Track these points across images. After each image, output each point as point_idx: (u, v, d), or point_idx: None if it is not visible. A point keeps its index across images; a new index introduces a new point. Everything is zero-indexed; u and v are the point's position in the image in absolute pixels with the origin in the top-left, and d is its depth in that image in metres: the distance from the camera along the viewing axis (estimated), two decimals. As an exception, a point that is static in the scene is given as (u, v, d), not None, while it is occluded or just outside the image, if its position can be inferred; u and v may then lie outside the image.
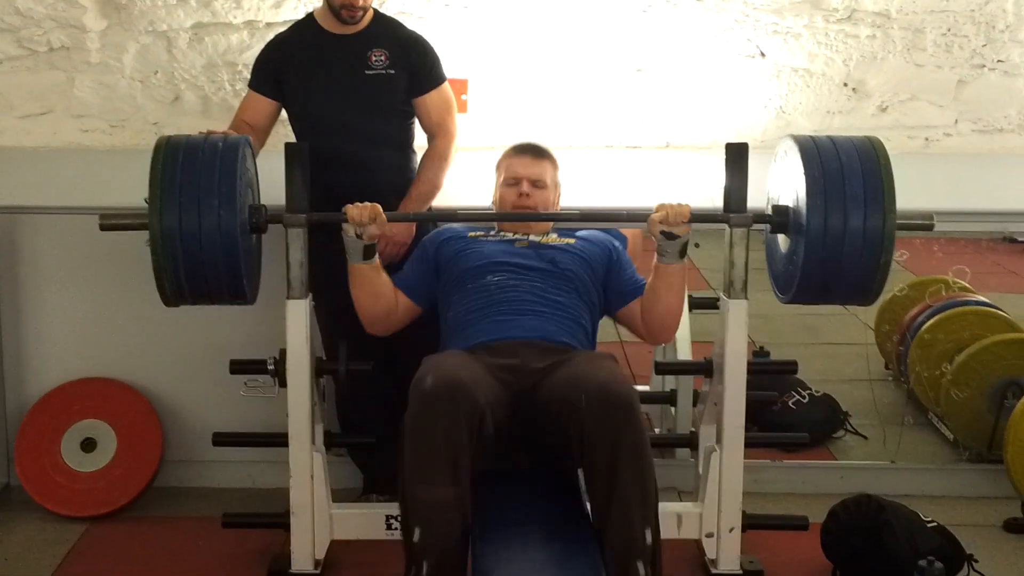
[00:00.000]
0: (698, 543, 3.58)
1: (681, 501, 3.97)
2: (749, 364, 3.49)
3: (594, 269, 3.53)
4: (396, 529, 3.46)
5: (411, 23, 4.34)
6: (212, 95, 4.50)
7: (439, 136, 3.86)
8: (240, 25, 4.43)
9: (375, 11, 3.84)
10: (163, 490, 4.23)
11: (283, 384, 3.47)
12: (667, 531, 3.51)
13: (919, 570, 3.27)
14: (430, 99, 3.84)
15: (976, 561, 3.58)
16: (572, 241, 3.59)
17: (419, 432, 2.91)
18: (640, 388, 4.55)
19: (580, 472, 3.13)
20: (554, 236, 3.66)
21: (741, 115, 4.56)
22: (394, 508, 3.51)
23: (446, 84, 3.88)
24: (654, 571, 2.96)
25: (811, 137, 3.37)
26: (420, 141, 3.97)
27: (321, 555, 3.51)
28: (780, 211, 3.41)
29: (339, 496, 3.64)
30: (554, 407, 3.06)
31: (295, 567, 3.49)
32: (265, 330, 3.81)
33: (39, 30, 4.39)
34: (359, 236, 3.28)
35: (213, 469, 4.28)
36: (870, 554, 3.53)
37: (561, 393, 3.06)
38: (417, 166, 3.89)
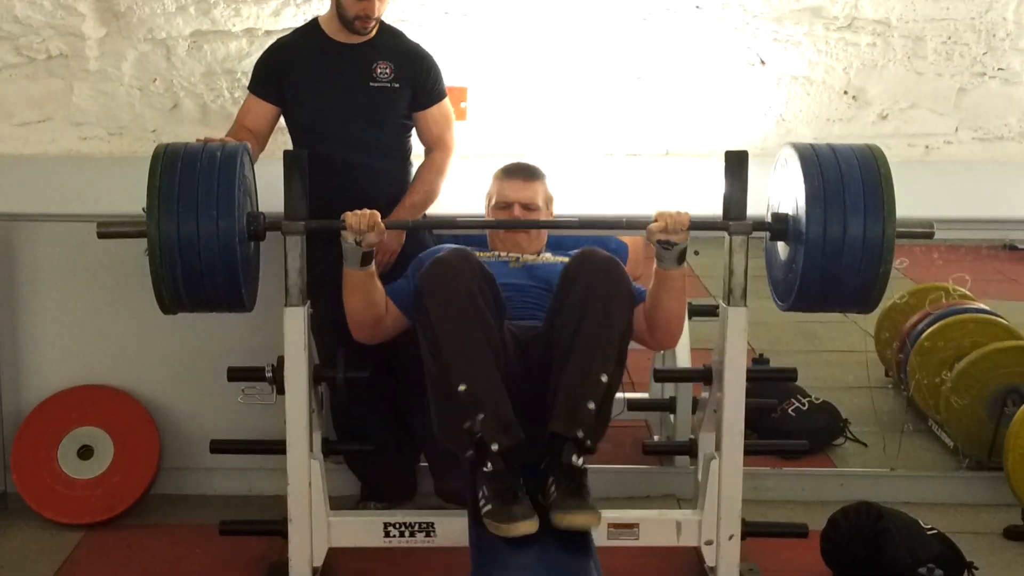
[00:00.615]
0: (697, 551, 3.56)
1: (680, 508, 3.96)
2: (748, 371, 3.47)
3: None
4: (394, 536, 3.45)
5: (410, 31, 4.33)
6: (211, 103, 4.50)
7: (437, 149, 3.86)
8: (239, 33, 4.42)
9: (380, 22, 3.82)
10: (160, 497, 4.22)
11: (281, 391, 3.46)
12: (666, 539, 3.51)
13: (919, 577, 3.28)
14: (431, 114, 3.84)
15: (976, 569, 3.58)
16: (566, 260, 3.57)
17: (440, 289, 3.06)
18: (639, 395, 4.56)
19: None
20: (547, 255, 3.67)
21: (741, 123, 4.55)
22: (392, 515, 3.51)
23: (447, 99, 3.88)
24: (598, 420, 3.02)
25: (811, 145, 3.36)
26: (418, 149, 3.96)
27: (319, 563, 3.50)
28: (780, 219, 3.40)
29: (337, 504, 3.63)
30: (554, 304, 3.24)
31: (293, 574, 3.47)
32: (263, 337, 3.80)
33: (38, 38, 4.39)
34: (358, 243, 3.27)
35: (211, 476, 4.27)
36: (870, 562, 3.52)
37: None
38: (408, 165, 3.90)
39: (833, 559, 3.64)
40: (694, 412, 4.01)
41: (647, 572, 3.73)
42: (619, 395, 3.23)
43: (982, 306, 4.89)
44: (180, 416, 4.28)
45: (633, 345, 3.52)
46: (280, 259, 3.37)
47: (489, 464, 2.93)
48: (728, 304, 3.42)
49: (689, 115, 4.53)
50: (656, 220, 3.29)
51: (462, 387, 2.93)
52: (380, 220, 3.28)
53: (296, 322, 3.36)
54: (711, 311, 3.73)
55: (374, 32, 3.77)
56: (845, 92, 4.58)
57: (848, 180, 3.23)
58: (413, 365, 3.24)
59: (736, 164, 3.40)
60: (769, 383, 4.44)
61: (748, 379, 3.45)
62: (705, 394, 3.65)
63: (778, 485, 4.28)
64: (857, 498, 3.78)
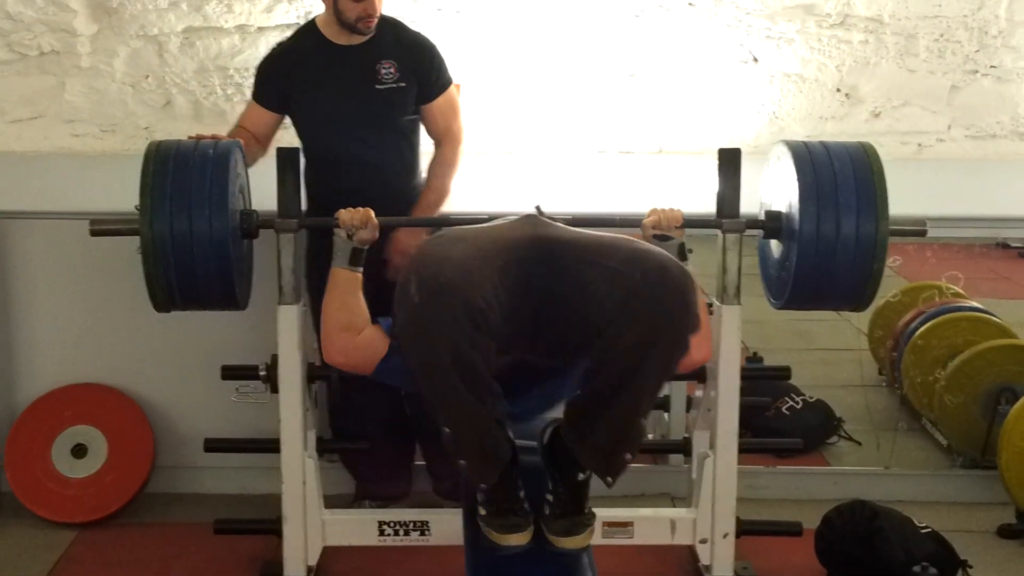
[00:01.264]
0: (692, 549, 3.57)
1: (675, 507, 3.95)
2: (742, 370, 3.48)
3: None
4: (388, 535, 3.45)
5: (403, 28, 4.35)
6: (203, 99, 4.49)
7: (446, 142, 3.81)
8: (231, 29, 4.42)
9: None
10: (154, 496, 4.21)
11: (275, 390, 3.45)
12: (661, 537, 3.52)
13: (913, 576, 3.28)
14: (437, 105, 3.78)
15: (970, 567, 3.58)
16: None
17: (417, 351, 2.73)
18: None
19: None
20: None
21: (734, 120, 4.56)
22: (386, 514, 3.51)
23: (452, 87, 3.81)
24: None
25: (804, 143, 3.36)
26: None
27: (313, 561, 3.50)
28: (773, 217, 3.40)
29: (331, 502, 3.62)
30: (590, 277, 2.83)
31: (287, 573, 3.47)
32: (257, 336, 3.80)
33: (29, 34, 4.38)
34: (349, 236, 3.22)
35: (205, 475, 4.26)
36: (864, 560, 3.53)
37: (603, 264, 2.83)
38: (424, 170, 3.84)
39: (827, 557, 3.64)
40: (688, 410, 4.01)
41: (641, 571, 3.73)
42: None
43: (975, 304, 4.88)
44: (174, 415, 4.26)
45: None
46: (273, 257, 3.36)
47: (481, 491, 2.88)
48: (722, 302, 3.42)
49: (682, 113, 4.54)
50: (649, 216, 3.28)
51: (445, 430, 2.77)
52: (374, 217, 3.27)
53: (290, 320, 3.36)
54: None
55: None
56: (838, 90, 4.59)
57: (841, 178, 3.23)
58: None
59: (729, 162, 3.41)
60: (763, 381, 4.43)
61: (742, 377, 3.46)
62: (699, 392, 3.65)
63: (772, 484, 4.28)
64: (851, 496, 3.78)
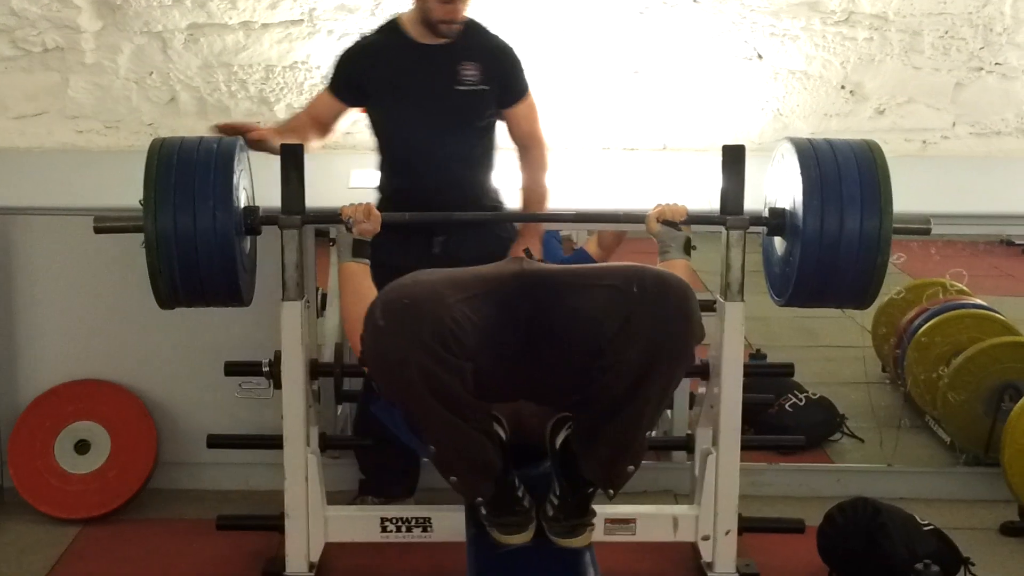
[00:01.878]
0: (694, 546, 3.56)
1: (677, 504, 3.96)
2: (746, 366, 3.48)
3: None
4: (391, 531, 3.45)
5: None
6: (207, 96, 4.49)
7: (533, 147, 3.76)
8: (236, 26, 4.42)
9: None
10: (157, 492, 4.21)
11: (278, 386, 3.45)
12: (663, 534, 3.51)
13: (915, 573, 3.28)
14: (519, 110, 3.73)
15: (973, 564, 3.58)
16: None
17: (382, 371, 2.69)
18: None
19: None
20: None
21: (738, 117, 4.56)
22: (389, 510, 3.51)
23: (531, 92, 3.77)
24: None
25: (808, 140, 3.36)
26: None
27: (315, 558, 3.50)
28: (777, 214, 3.40)
29: (334, 498, 3.63)
30: (584, 302, 2.80)
31: (289, 570, 3.47)
32: (260, 332, 3.80)
33: (34, 30, 4.38)
34: (349, 229, 3.23)
35: (207, 471, 4.26)
36: (866, 557, 3.52)
37: (598, 285, 2.82)
38: (493, 168, 3.79)
39: (829, 555, 3.64)
40: (691, 407, 4.01)
41: (644, 567, 3.73)
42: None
43: (979, 302, 4.88)
44: (177, 411, 4.26)
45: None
46: (277, 253, 3.36)
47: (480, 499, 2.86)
48: (725, 299, 3.42)
49: (686, 109, 4.54)
50: (654, 210, 3.29)
51: (431, 448, 2.77)
52: (376, 210, 3.27)
53: (293, 316, 3.35)
54: (708, 306, 3.73)
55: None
56: (842, 87, 4.58)
57: (845, 175, 3.23)
58: None
59: (733, 159, 3.40)
60: (766, 378, 4.43)
61: (745, 374, 3.45)
62: (702, 389, 3.65)
63: (775, 480, 4.27)
64: (854, 494, 3.78)
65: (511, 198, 3.82)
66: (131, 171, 3.25)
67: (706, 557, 3.53)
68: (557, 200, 3.79)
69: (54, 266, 4.18)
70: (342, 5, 4.41)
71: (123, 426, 4.16)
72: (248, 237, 3.39)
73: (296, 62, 4.48)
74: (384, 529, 3.47)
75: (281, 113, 4.52)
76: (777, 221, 3.39)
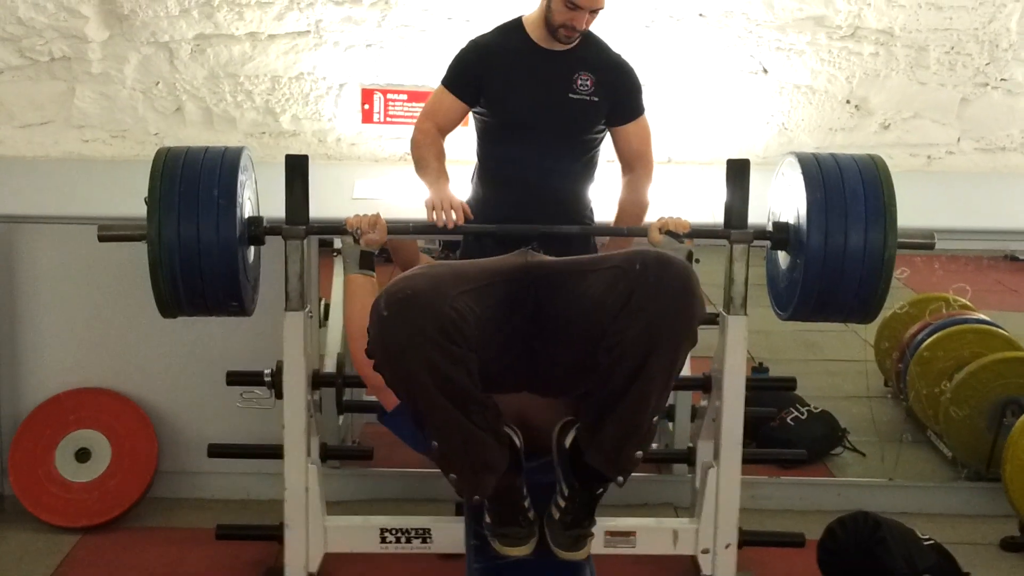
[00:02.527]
0: (694, 559, 3.55)
1: (678, 517, 3.95)
2: (748, 380, 3.47)
3: None
4: (390, 542, 3.45)
5: (413, 36, 4.36)
6: (214, 106, 4.50)
7: (639, 167, 3.75)
8: (242, 37, 4.43)
9: (588, 32, 3.65)
10: (157, 501, 4.21)
11: (279, 396, 3.45)
12: (663, 547, 3.51)
13: (916, 588, 3.27)
14: (631, 129, 3.72)
15: (974, 580, 3.58)
16: None
17: (395, 372, 2.66)
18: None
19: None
20: None
21: (743, 131, 4.56)
22: (388, 521, 3.50)
23: (645, 115, 3.76)
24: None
25: (813, 154, 3.36)
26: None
27: (315, 568, 3.49)
28: (781, 228, 3.40)
29: (333, 509, 3.62)
30: (587, 286, 2.77)
31: (289, 580, 3.48)
32: (262, 342, 3.81)
33: (40, 40, 4.39)
34: (356, 240, 3.23)
35: (208, 480, 4.26)
36: (866, 571, 3.52)
37: (600, 268, 2.79)
38: (590, 186, 3.78)
39: (830, 569, 3.63)
40: (693, 420, 4.01)
41: (644, 580, 3.73)
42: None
43: (982, 316, 4.89)
44: (178, 420, 4.27)
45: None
46: (280, 263, 3.36)
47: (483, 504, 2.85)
48: (728, 312, 3.42)
49: (691, 123, 4.54)
50: (657, 223, 3.29)
51: (433, 444, 2.71)
52: (383, 221, 3.27)
53: (295, 327, 3.35)
54: (711, 319, 3.73)
55: (577, 42, 3.63)
56: (847, 101, 4.58)
57: (850, 190, 3.22)
58: None
59: (738, 172, 3.40)
60: (768, 392, 4.43)
61: (747, 388, 3.45)
62: (704, 402, 3.65)
63: (776, 494, 4.27)
64: (854, 508, 3.77)
65: (604, 213, 3.82)
66: (136, 180, 3.26)
67: (706, 570, 3.52)
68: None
69: (58, 274, 4.20)
70: (348, 17, 4.42)
71: (124, 435, 4.17)
72: (251, 247, 3.39)
73: (302, 73, 4.49)
74: (383, 540, 3.46)
75: (287, 124, 4.52)
76: (781, 235, 3.39)
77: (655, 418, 2.79)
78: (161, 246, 3.13)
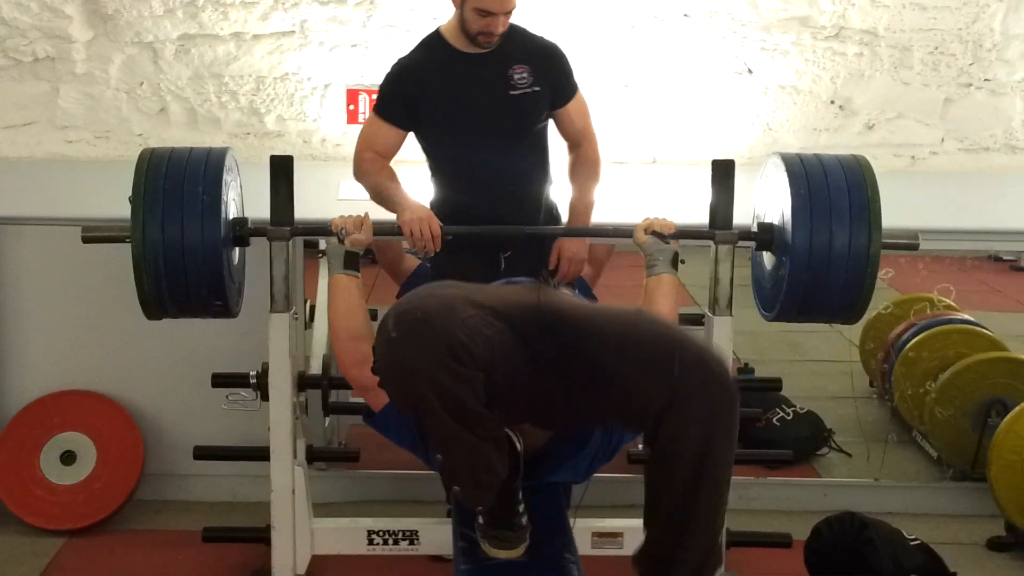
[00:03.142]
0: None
1: (665, 518, 3.94)
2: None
3: None
4: (377, 544, 3.44)
5: (398, 36, 4.35)
6: (198, 107, 4.49)
7: (584, 142, 3.71)
8: (227, 37, 4.42)
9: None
10: (143, 503, 4.20)
11: (265, 398, 3.45)
12: (650, 548, 3.50)
13: (902, 588, 3.27)
14: (571, 108, 3.67)
15: (960, 580, 3.58)
16: None
17: (401, 391, 2.60)
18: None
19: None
20: None
21: (728, 132, 4.56)
22: (375, 523, 3.50)
23: (579, 91, 3.72)
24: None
25: (798, 155, 3.36)
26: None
27: (302, 570, 3.49)
28: (766, 228, 3.40)
29: (320, 511, 3.62)
30: (616, 352, 2.63)
31: (275, 582, 3.47)
32: (248, 344, 3.79)
33: (24, 40, 4.38)
34: (340, 240, 3.22)
35: (194, 483, 4.25)
36: (853, 572, 3.52)
37: (631, 339, 2.65)
38: (550, 175, 3.73)
39: (816, 569, 3.63)
40: (679, 421, 3.99)
41: (631, 581, 3.72)
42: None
43: (966, 317, 4.89)
44: (164, 422, 4.26)
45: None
46: (266, 265, 3.35)
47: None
48: (713, 313, 3.42)
49: (676, 123, 4.54)
50: (642, 223, 3.29)
51: (438, 456, 2.65)
52: (369, 220, 3.26)
53: (281, 328, 3.35)
54: (696, 320, 3.74)
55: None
56: (832, 102, 4.59)
57: (834, 190, 3.23)
58: None
59: (723, 173, 3.40)
60: (754, 392, 4.42)
61: (733, 388, 3.45)
62: (690, 403, 3.64)
63: (762, 495, 4.28)
64: (841, 508, 3.77)
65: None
66: (120, 181, 3.25)
67: (693, 571, 3.52)
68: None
69: (42, 276, 4.19)
70: (334, 17, 4.42)
71: (109, 437, 4.16)
72: (236, 248, 3.39)
73: (287, 73, 4.48)
74: (371, 542, 3.46)
75: (271, 124, 4.51)
76: (766, 236, 3.39)
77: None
78: (145, 247, 3.13)
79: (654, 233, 3.26)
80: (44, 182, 4.34)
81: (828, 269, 3.20)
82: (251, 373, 3.56)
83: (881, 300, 4.96)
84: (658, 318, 2.90)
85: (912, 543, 3.57)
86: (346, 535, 3.54)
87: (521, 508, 2.84)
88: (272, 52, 4.46)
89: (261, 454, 3.47)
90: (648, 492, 2.70)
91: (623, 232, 3.40)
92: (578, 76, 3.66)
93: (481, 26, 3.46)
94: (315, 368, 4.07)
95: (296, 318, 3.45)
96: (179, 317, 3.32)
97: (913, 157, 4.68)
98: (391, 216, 3.47)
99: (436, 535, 3.40)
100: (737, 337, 3.45)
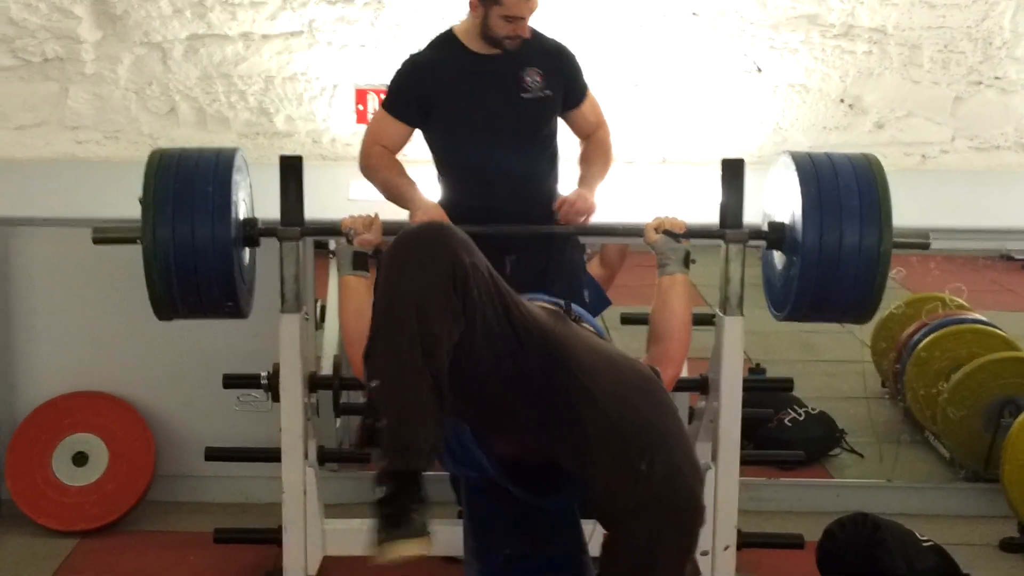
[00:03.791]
0: (692, 561, 3.55)
1: (676, 518, 3.94)
2: (745, 381, 3.46)
3: None
4: (388, 545, 3.43)
5: (406, 36, 4.35)
6: (207, 107, 4.50)
7: (598, 131, 3.71)
8: (235, 37, 4.42)
9: None
10: (155, 504, 4.20)
11: (276, 398, 3.44)
12: (662, 549, 3.49)
13: (915, 589, 3.26)
14: (584, 108, 3.67)
15: (972, 581, 3.57)
16: None
17: (390, 286, 2.49)
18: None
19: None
20: None
21: (737, 131, 4.56)
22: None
23: (589, 89, 3.70)
24: None
25: (808, 153, 3.35)
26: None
27: (313, 571, 3.48)
28: (776, 228, 3.39)
29: (332, 512, 3.61)
30: (596, 425, 2.55)
31: (287, 583, 3.47)
32: (258, 344, 3.79)
33: (33, 40, 4.39)
34: (349, 241, 3.21)
35: (205, 484, 4.25)
36: (866, 573, 3.51)
37: (613, 423, 2.54)
38: (559, 178, 3.69)
39: (829, 570, 3.62)
40: (690, 422, 3.99)
41: (642, 581, 3.71)
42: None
43: (979, 316, 4.88)
44: (175, 423, 4.26)
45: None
46: (276, 265, 3.35)
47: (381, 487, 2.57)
48: (724, 313, 3.40)
49: (686, 123, 4.54)
50: (652, 223, 3.28)
51: (373, 383, 2.50)
52: (379, 220, 3.25)
53: (291, 329, 3.34)
54: (707, 320, 3.73)
55: None
56: (841, 100, 4.59)
57: (844, 189, 3.22)
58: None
59: (733, 172, 3.39)
60: (765, 393, 4.42)
61: (744, 389, 3.44)
62: (701, 404, 3.64)
63: (774, 496, 4.27)
64: (853, 509, 3.76)
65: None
66: (130, 182, 3.25)
67: (705, 572, 3.51)
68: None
69: (53, 277, 4.18)
70: (342, 17, 4.42)
71: (121, 438, 4.16)
72: (247, 249, 3.38)
73: (296, 73, 4.49)
74: (382, 542, 3.45)
75: (280, 124, 4.52)
76: (776, 235, 3.38)
77: None
78: (156, 248, 3.12)
79: (666, 232, 3.25)
80: (54, 183, 4.34)
81: (839, 268, 3.19)
82: (262, 374, 3.55)
83: (893, 300, 4.95)
84: (665, 400, 2.70)
85: (925, 544, 3.56)
86: (358, 536, 3.47)
87: (420, 499, 2.58)
88: (281, 52, 4.46)
89: (272, 455, 3.47)
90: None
91: (633, 232, 3.39)
92: (587, 76, 3.65)
93: (508, 31, 3.42)
94: (326, 369, 4.06)
95: (307, 318, 3.44)
96: (190, 318, 3.31)
97: (923, 155, 4.67)
98: (401, 215, 3.46)
99: (446, 536, 3.38)
100: (748, 337, 3.44)
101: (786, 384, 3.99)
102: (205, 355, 4.11)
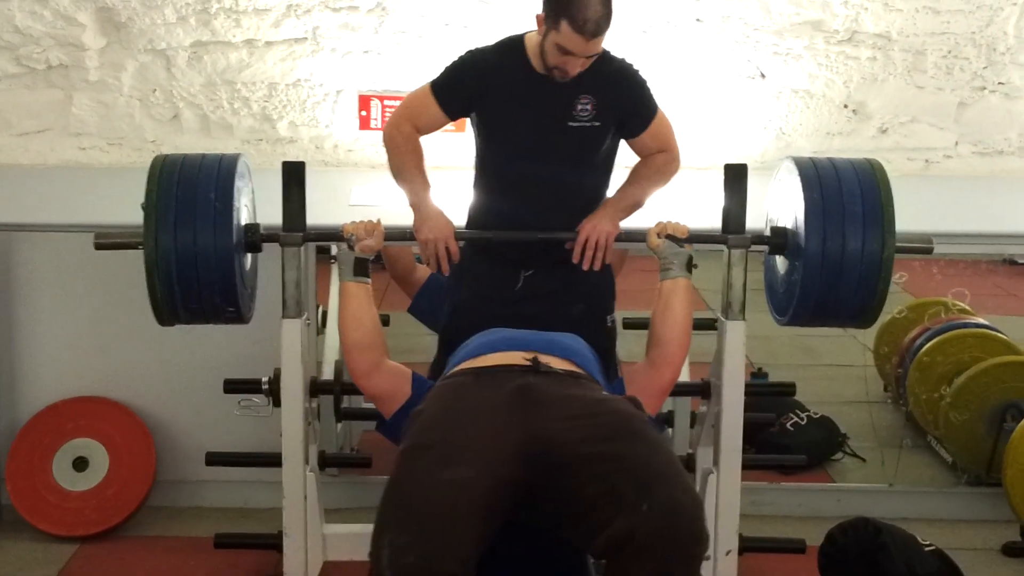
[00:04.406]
0: None
1: (678, 524, 3.93)
2: (747, 385, 3.46)
3: None
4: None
5: (410, 42, 4.36)
6: (211, 114, 4.50)
7: (662, 154, 3.51)
8: (239, 44, 4.43)
9: None
10: (156, 510, 4.20)
11: (277, 404, 3.44)
12: (663, 554, 3.49)
13: (917, 594, 3.26)
14: (648, 134, 3.48)
15: (975, 586, 3.56)
16: None
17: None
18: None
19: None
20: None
21: (741, 136, 4.56)
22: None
23: (660, 110, 3.51)
24: None
25: (811, 159, 3.35)
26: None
27: (314, 576, 3.49)
28: (779, 232, 3.39)
29: (332, 517, 3.61)
30: (592, 486, 2.56)
31: (288, 588, 3.47)
32: (260, 349, 3.79)
33: (38, 48, 4.39)
34: (351, 247, 3.22)
35: (206, 489, 4.25)
36: (868, 578, 3.51)
37: (606, 475, 2.55)
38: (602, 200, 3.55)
39: (831, 575, 3.62)
40: (692, 426, 3.99)
41: (644, 587, 3.71)
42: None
43: (981, 321, 4.87)
44: (176, 428, 4.26)
45: (627, 358, 3.51)
46: (278, 270, 3.35)
47: None
48: (726, 317, 3.40)
49: (689, 128, 4.52)
50: (655, 228, 3.28)
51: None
52: (381, 227, 3.26)
53: (293, 334, 3.34)
54: (709, 324, 3.73)
55: None
56: (845, 106, 4.59)
57: (848, 194, 3.21)
58: None
59: (735, 177, 3.40)
60: (767, 397, 4.42)
61: (746, 393, 3.43)
62: (703, 408, 3.64)
63: (776, 500, 4.26)
64: (855, 514, 3.75)
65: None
66: (133, 188, 3.25)
67: (707, 577, 3.51)
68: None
69: (55, 282, 4.19)
70: (345, 23, 4.42)
71: (122, 443, 4.16)
72: (248, 254, 3.38)
73: (299, 80, 4.49)
74: (383, 548, 3.45)
75: (283, 130, 4.52)
76: (779, 240, 3.38)
77: None
78: (158, 253, 3.13)
79: (668, 237, 3.25)
80: (57, 189, 4.34)
81: (841, 273, 3.19)
82: (263, 379, 3.56)
83: (895, 304, 4.95)
84: (652, 436, 2.73)
85: (927, 549, 3.55)
86: (358, 541, 3.51)
87: None
88: (284, 59, 4.47)
89: (273, 460, 3.47)
90: None
91: (636, 236, 3.39)
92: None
93: (558, 62, 3.27)
94: (327, 374, 4.06)
95: (308, 324, 3.44)
96: (191, 323, 3.32)
97: (927, 161, 4.67)
98: (403, 221, 3.45)
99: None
100: (751, 341, 3.43)
101: (788, 388, 4.00)
102: (206, 360, 4.11)
